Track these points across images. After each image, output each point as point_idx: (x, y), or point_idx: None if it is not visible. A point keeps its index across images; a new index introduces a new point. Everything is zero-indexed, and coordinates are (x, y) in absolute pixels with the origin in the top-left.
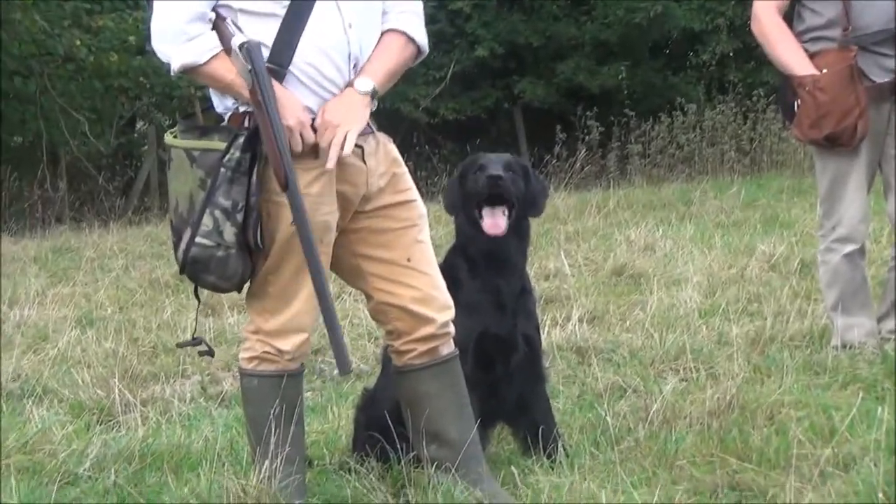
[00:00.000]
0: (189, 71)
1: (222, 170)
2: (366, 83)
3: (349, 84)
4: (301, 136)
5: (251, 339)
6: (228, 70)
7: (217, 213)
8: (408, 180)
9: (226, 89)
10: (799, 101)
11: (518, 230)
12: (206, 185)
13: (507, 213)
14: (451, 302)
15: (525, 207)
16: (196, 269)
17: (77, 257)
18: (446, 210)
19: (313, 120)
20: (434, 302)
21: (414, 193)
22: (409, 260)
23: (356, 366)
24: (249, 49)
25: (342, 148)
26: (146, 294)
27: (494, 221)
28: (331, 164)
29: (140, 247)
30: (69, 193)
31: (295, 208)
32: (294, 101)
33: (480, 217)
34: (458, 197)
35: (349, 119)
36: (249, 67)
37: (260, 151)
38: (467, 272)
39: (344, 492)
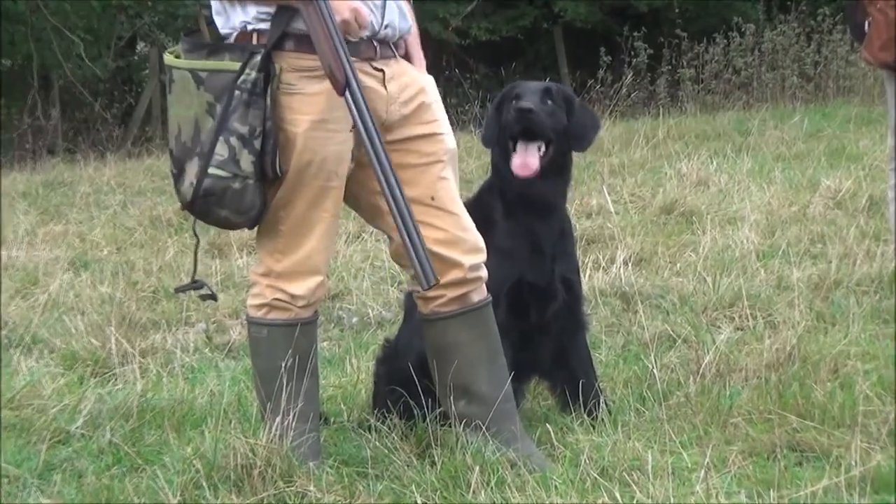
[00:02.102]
0: None
1: (237, 92)
2: None
3: None
4: (357, 20)
5: (260, 284)
6: None
7: (233, 139)
8: (436, 111)
9: None
10: (870, 19)
11: (557, 167)
12: (214, 111)
13: (542, 149)
14: (481, 244)
15: (567, 142)
16: (209, 203)
17: (71, 192)
18: (483, 143)
19: None
20: (462, 244)
21: (442, 126)
22: (433, 199)
23: (377, 312)
24: None
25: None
26: (146, 233)
27: (524, 161)
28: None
29: (140, 181)
30: (62, 122)
31: (357, 110)
32: None
33: (514, 153)
34: (494, 129)
35: None
36: None
37: (273, 70)
38: (502, 213)
39: (363, 452)
